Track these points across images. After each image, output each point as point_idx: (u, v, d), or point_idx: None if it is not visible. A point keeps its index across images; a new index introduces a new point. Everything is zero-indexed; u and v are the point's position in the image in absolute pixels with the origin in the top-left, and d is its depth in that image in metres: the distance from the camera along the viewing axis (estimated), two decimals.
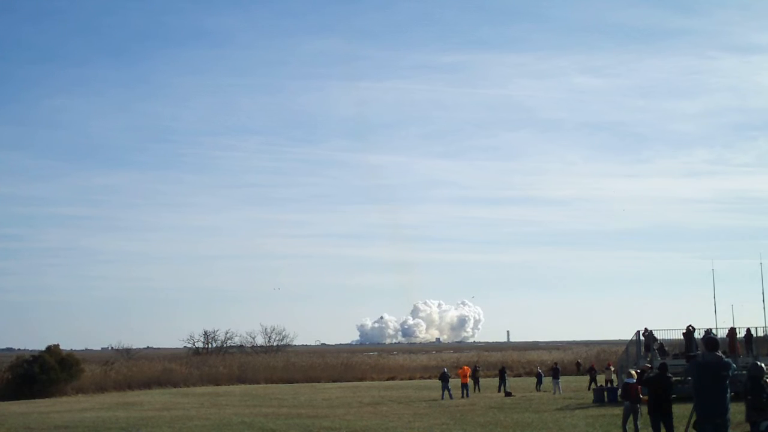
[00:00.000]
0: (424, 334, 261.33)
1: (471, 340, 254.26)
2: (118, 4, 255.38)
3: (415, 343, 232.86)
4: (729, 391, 9.37)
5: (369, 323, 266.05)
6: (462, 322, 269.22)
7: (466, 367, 39.96)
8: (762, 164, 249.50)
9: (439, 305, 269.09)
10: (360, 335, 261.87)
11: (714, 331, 31.61)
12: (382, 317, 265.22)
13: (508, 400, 33.08)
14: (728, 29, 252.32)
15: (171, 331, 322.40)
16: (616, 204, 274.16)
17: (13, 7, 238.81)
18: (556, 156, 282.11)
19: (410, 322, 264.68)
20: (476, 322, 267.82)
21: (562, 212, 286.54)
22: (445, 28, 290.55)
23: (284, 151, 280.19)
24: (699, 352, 30.26)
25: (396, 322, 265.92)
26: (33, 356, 47.92)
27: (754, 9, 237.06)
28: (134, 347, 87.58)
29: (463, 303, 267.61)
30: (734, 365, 9.69)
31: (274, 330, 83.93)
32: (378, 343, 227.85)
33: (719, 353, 9.54)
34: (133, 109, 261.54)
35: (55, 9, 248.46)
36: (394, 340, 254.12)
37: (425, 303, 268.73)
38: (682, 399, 18.65)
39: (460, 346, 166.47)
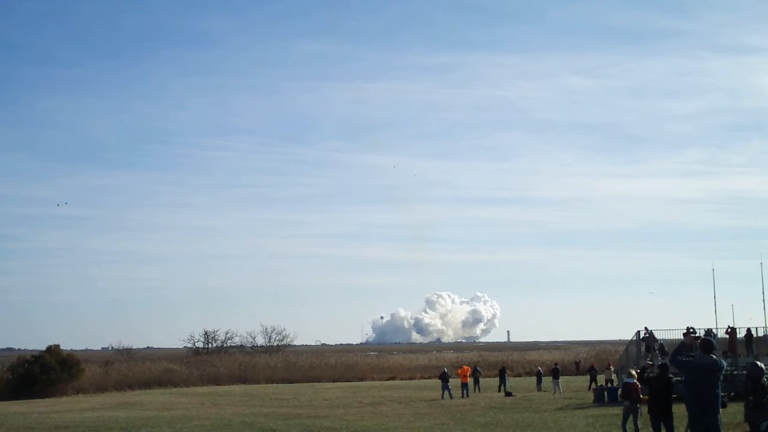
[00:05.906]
0: (438, 332, 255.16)
1: (485, 339, 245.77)
2: (116, 6, 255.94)
3: (431, 341, 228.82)
4: (721, 391, 9.56)
5: (383, 320, 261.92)
6: (476, 318, 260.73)
7: (466, 367, 40.01)
8: (756, 164, 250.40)
9: (452, 301, 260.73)
10: (374, 331, 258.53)
11: (714, 331, 31.65)
12: (382, 317, 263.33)
13: (508, 400, 33.11)
14: (720, 31, 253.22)
15: (171, 331, 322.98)
16: (611, 204, 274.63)
17: (12, 9, 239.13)
18: (551, 156, 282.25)
19: (426, 320, 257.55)
20: (489, 320, 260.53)
21: (556, 213, 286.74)
22: (437, 30, 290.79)
23: (280, 152, 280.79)
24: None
25: (410, 318, 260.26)
26: (33, 356, 47.92)
27: (745, 11, 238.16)
28: (134, 347, 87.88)
29: (477, 298, 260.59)
30: (725, 363, 9.96)
31: (274, 330, 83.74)
32: (392, 342, 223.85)
33: (714, 355, 9.70)
34: (130, 110, 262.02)
35: (52, 12, 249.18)
36: (409, 338, 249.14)
37: (439, 296, 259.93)
38: (683, 399, 18.65)
39: (461, 346, 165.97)
